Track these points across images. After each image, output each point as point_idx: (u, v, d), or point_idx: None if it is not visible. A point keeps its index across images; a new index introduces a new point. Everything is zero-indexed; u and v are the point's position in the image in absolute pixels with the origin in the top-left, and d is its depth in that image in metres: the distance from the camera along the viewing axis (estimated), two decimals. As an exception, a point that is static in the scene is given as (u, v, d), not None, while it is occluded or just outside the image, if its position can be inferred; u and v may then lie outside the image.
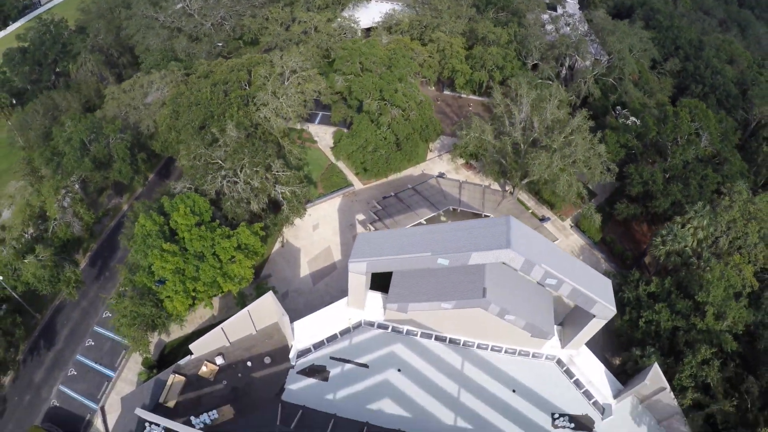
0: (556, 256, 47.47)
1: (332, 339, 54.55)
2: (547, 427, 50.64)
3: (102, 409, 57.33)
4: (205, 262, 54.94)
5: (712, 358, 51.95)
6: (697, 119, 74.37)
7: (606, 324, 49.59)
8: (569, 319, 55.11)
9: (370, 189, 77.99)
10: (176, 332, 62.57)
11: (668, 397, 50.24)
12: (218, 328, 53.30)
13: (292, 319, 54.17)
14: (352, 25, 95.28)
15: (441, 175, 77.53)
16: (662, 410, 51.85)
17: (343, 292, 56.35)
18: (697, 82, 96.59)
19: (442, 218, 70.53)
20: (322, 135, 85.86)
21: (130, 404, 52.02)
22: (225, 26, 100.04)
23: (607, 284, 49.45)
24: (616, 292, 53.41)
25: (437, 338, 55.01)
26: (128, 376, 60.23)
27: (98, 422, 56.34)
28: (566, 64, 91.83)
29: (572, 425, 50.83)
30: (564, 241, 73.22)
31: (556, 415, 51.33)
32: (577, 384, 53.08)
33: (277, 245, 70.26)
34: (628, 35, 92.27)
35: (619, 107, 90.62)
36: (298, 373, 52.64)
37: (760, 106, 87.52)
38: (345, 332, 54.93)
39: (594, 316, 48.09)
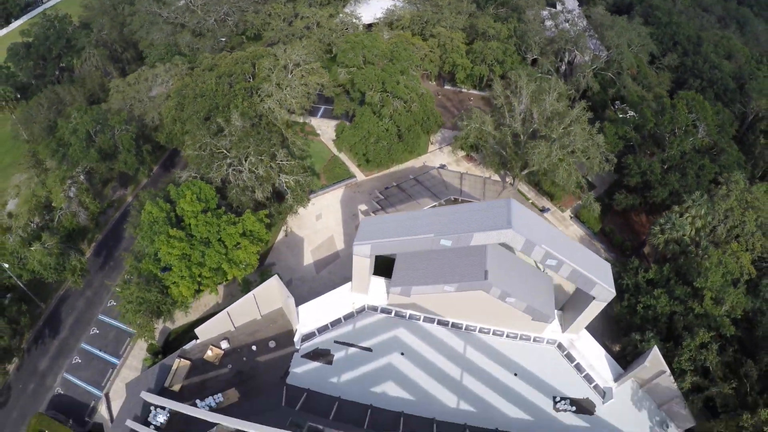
0: (556, 238, 48.21)
1: (336, 323, 55.21)
2: (548, 411, 51.26)
3: (106, 395, 57.77)
4: (211, 248, 55.63)
5: (710, 342, 52.60)
6: (695, 111, 75.30)
7: (605, 311, 50.06)
8: (569, 303, 55.78)
9: (372, 180, 78.76)
10: (181, 319, 63.31)
11: (668, 381, 50.85)
12: (223, 312, 53.92)
13: (296, 305, 54.72)
14: (354, 20, 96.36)
15: (442, 167, 78.36)
16: (662, 394, 52.50)
17: (346, 279, 57.06)
18: (695, 77, 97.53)
19: (444, 208, 71.18)
20: (325, 128, 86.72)
21: (135, 389, 52.29)
22: (228, 22, 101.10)
23: (606, 267, 50.15)
24: (615, 280, 53.87)
25: (440, 323, 55.67)
26: (133, 363, 60.76)
27: (102, 409, 56.82)
28: (565, 59, 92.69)
29: (573, 408, 51.51)
30: (564, 232, 73.80)
31: (558, 399, 51.95)
32: (578, 368, 53.66)
33: (281, 234, 70.97)
34: (627, 30, 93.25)
35: (617, 101, 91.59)
36: (302, 356, 53.22)
37: (757, 99, 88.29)
38: (349, 317, 55.58)
39: (594, 298, 48.74)
